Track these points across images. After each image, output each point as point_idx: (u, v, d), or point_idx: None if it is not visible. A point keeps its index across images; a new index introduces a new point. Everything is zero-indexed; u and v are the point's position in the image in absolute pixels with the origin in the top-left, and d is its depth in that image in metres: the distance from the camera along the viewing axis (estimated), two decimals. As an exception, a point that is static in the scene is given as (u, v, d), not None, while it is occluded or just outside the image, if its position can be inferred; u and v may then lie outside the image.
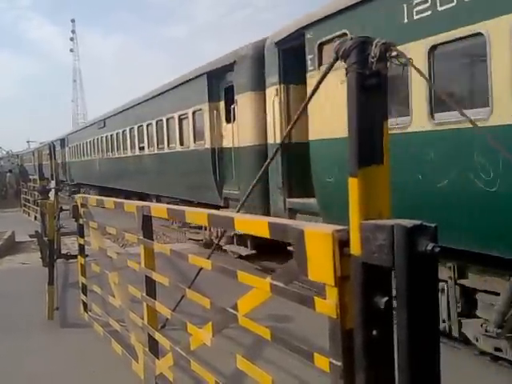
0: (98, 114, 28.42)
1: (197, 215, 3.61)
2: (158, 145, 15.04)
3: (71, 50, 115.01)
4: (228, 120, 10.62)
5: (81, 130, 30.09)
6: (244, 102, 9.82)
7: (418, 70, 2.47)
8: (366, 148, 2.07)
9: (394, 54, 2.05)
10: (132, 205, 4.73)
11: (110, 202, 5.68)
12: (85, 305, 6.64)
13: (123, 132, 19.16)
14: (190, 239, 12.96)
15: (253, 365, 3.07)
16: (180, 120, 13.13)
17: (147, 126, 16.00)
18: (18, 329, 6.66)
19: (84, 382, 5.09)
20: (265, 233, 2.69)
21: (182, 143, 13.13)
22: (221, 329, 3.42)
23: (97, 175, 24.66)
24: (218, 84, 11.09)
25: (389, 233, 1.89)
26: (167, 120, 14.03)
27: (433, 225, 1.90)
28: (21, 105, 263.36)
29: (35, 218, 17.64)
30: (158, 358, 4.39)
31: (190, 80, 12.38)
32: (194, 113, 12.17)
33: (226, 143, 10.83)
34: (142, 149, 16.90)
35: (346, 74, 2.08)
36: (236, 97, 10.11)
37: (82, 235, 6.61)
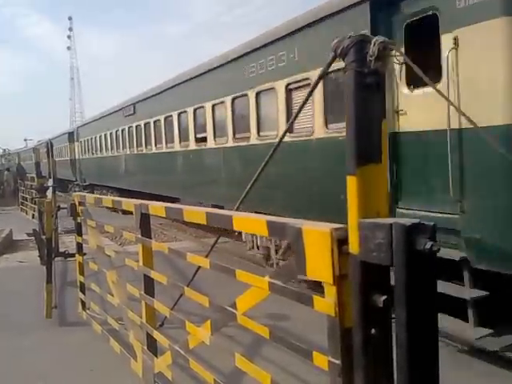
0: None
1: (195, 214, 3.60)
2: (235, 134, 10.15)
3: (68, 48, 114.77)
4: (417, 82, 5.74)
5: (97, 120, 23.66)
6: (485, 42, 5.04)
7: (416, 68, 2.46)
8: (365, 147, 2.07)
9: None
10: (130, 203, 4.73)
11: (107, 200, 5.69)
12: (83, 303, 6.64)
13: (167, 119, 13.96)
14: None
15: (251, 363, 3.08)
16: (288, 91, 8.27)
17: (213, 107, 11.05)
18: (15, 327, 6.65)
19: (82, 380, 5.08)
20: (263, 231, 2.69)
21: (291, 130, 7.88)
22: (219, 327, 3.42)
23: (121, 175, 19.30)
24: (390, 19, 6.17)
25: (387, 231, 1.89)
26: (257, 95, 9.20)
27: (431, 223, 1.90)
28: (18, 102, 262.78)
29: (33, 216, 17.62)
30: (156, 357, 4.39)
31: (320, 20, 7.34)
32: (327, 75, 7.26)
33: (412, 125, 5.92)
34: (201, 141, 11.81)
35: (345, 72, 2.08)
36: (455, 33, 5.27)
37: (80, 233, 6.61)
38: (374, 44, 1.94)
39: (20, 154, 45.24)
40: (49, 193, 9.81)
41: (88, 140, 25.11)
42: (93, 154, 24.20)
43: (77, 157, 27.91)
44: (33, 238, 11.75)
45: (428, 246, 1.83)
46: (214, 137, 11.11)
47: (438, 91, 2.48)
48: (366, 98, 2.03)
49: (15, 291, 8.50)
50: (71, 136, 28.96)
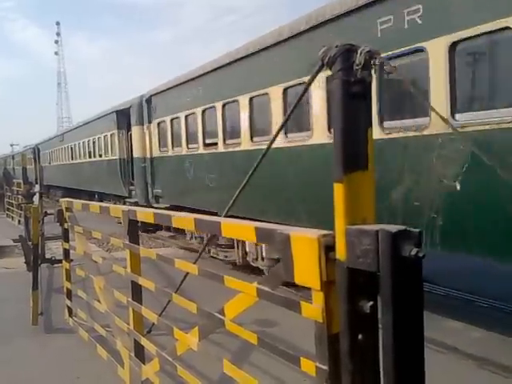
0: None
1: (183, 220, 3.61)
2: None
3: (56, 53, 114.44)
4: None
5: (223, 66, 9.65)
6: None
7: (402, 78, 2.50)
8: (351, 154, 2.10)
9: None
10: (118, 209, 4.72)
11: (95, 206, 5.66)
12: (70, 310, 6.59)
13: None
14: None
15: (239, 370, 3.08)
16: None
17: None
18: (1, 334, 6.57)
19: (69, 388, 5.04)
20: (251, 237, 2.70)
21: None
22: (207, 334, 3.42)
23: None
24: None
25: (373, 238, 1.91)
26: None
27: (417, 230, 1.93)
28: (4, 107, 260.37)
29: (19, 222, 17.42)
30: (143, 364, 4.37)
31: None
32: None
33: None
34: None
35: (332, 80, 2.11)
36: None
37: (66, 240, 6.56)
38: (361, 53, 1.97)
39: (14, 156, 43.68)
40: (35, 198, 9.73)
41: (181, 119, 11.74)
42: (204, 146, 10.72)
43: (137, 155, 14.71)
44: (19, 244, 11.64)
45: (413, 252, 1.85)
46: None
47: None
48: (352, 107, 2.06)
49: (0, 298, 8.40)
50: (123, 117, 15.67)
